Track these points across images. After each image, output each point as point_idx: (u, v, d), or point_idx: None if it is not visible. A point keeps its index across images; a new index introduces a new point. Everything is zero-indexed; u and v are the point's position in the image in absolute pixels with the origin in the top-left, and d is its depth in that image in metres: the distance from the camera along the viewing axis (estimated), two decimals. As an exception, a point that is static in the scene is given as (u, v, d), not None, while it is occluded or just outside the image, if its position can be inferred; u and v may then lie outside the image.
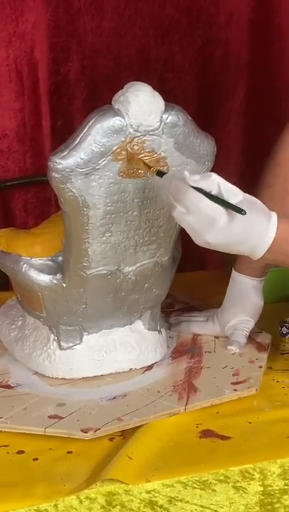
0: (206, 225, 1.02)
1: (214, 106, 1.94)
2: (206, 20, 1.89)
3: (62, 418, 1.12)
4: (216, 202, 1.01)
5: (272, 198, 1.16)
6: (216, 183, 1.02)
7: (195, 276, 1.68)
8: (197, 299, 1.50)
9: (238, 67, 1.93)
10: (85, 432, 1.08)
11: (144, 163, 1.10)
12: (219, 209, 1.02)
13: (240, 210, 1.01)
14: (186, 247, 1.30)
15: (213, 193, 1.02)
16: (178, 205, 1.03)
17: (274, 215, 1.05)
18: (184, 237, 1.25)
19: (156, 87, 1.11)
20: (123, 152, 1.09)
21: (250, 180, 1.09)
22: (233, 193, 1.03)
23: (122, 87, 1.11)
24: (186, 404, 1.14)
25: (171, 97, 1.13)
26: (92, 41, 1.83)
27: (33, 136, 1.85)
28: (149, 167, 1.09)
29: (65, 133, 1.82)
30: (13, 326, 1.31)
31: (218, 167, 1.16)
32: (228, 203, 1.02)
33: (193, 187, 1.02)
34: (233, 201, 1.02)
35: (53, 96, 1.84)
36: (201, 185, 1.02)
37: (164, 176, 1.07)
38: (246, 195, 1.04)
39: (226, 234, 1.03)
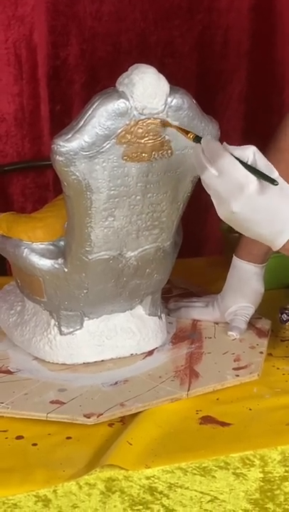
0: (234, 191, 1.01)
1: (214, 92, 1.93)
2: (206, 5, 1.88)
3: (64, 403, 1.11)
4: (249, 170, 1.00)
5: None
6: (253, 155, 1.01)
7: (193, 263, 1.67)
8: (195, 285, 1.49)
9: (238, 53, 1.93)
10: (88, 417, 1.08)
11: (181, 128, 1.08)
12: (251, 177, 1.01)
13: (272, 181, 1.00)
14: (185, 233, 1.29)
15: (248, 163, 1.01)
16: (210, 166, 1.02)
17: None
18: (183, 223, 1.24)
19: (156, 72, 1.10)
20: (127, 135, 1.08)
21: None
22: (269, 170, 1.02)
23: (121, 72, 1.09)
24: (189, 390, 1.14)
25: (170, 82, 1.12)
26: (91, 25, 1.82)
27: (31, 121, 1.84)
28: (187, 132, 1.08)
29: (63, 117, 1.82)
30: (12, 312, 1.30)
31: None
32: (262, 172, 1.01)
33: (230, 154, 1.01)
34: None
35: (51, 80, 1.83)
36: (237, 154, 1.01)
37: (202, 140, 1.05)
38: (281, 178, 1.03)
39: (253, 205, 1.01)
